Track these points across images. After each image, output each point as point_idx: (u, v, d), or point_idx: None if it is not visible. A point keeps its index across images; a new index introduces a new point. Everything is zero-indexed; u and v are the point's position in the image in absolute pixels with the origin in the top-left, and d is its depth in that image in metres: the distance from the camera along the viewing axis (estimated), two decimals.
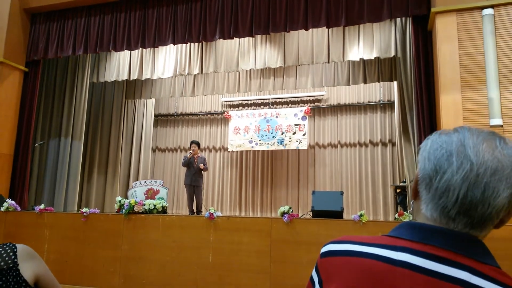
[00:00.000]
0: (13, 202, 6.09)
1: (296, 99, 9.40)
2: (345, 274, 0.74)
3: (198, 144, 7.60)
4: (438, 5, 4.98)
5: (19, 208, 6.12)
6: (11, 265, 1.36)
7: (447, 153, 0.73)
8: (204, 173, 7.94)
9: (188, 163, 7.39)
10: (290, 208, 5.00)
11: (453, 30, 4.87)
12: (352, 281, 0.73)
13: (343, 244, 0.79)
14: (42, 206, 5.89)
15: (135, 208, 5.55)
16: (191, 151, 7.40)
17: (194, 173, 7.36)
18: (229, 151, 9.55)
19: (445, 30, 4.91)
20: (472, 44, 4.79)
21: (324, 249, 0.82)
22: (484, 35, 4.73)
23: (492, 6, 4.76)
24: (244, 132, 9.29)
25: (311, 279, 0.83)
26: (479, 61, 4.72)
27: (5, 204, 5.97)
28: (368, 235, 0.80)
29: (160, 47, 7.48)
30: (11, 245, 1.41)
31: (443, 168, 0.73)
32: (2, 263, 1.36)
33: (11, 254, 1.38)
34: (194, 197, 7.35)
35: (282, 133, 8.99)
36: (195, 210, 7.27)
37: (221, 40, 6.62)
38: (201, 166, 7.31)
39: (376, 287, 0.70)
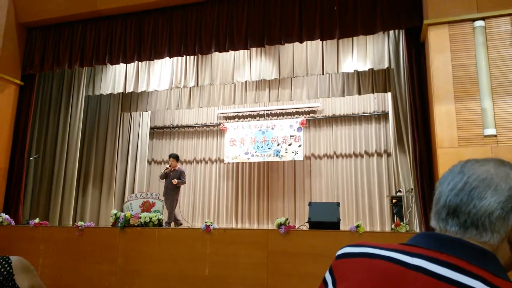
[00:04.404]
0: (7, 216, 6.04)
1: (291, 110, 9.44)
2: (359, 273, 0.77)
3: (176, 158, 7.68)
4: (430, 17, 5.06)
5: (13, 222, 6.07)
6: (6, 276, 1.43)
7: (449, 173, 0.85)
8: (183, 187, 7.98)
9: (164, 177, 7.56)
10: (287, 219, 4.99)
11: (446, 42, 4.94)
12: (364, 280, 0.76)
13: (360, 247, 0.83)
14: (37, 220, 5.84)
15: (131, 221, 5.51)
16: (167, 165, 7.53)
17: (167, 185, 7.45)
18: (225, 163, 9.54)
19: (438, 41, 4.98)
20: (464, 55, 4.86)
21: (340, 252, 0.86)
22: (476, 47, 4.80)
23: (483, 18, 4.84)
24: (240, 143, 9.30)
25: (324, 281, 0.85)
26: (472, 72, 4.78)
27: (0, 219, 5.92)
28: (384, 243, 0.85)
29: (155, 60, 7.52)
30: (4, 257, 1.49)
31: (441, 183, 0.84)
32: None
33: (6, 265, 1.45)
34: (166, 208, 7.36)
35: (278, 145, 9.01)
36: (164, 222, 7.34)
37: (217, 52, 6.67)
38: (174, 182, 7.37)
39: (388, 286, 0.73)
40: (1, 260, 1.47)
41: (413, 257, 0.74)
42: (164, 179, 7.62)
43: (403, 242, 0.81)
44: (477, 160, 0.83)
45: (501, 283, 0.69)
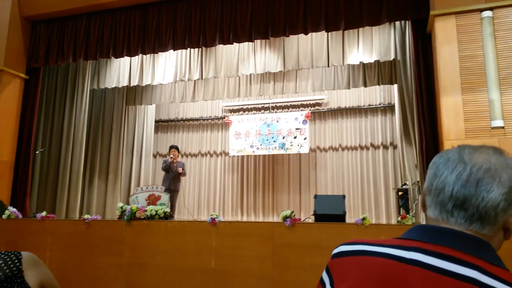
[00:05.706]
0: (15, 209, 6.08)
1: (296, 103, 9.40)
2: (358, 272, 0.77)
3: (177, 149, 7.74)
4: (437, 8, 4.99)
5: (20, 216, 6.11)
6: (15, 272, 1.41)
7: (445, 159, 0.82)
8: (183, 178, 8.00)
9: (168, 168, 7.49)
10: (292, 212, 4.98)
11: (453, 33, 4.87)
12: (364, 278, 0.75)
13: (355, 245, 0.82)
14: (43, 214, 5.88)
15: (137, 214, 5.53)
16: (171, 155, 7.52)
17: (173, 177, 7.48)
18: (230, 156, 9.54)
19: (445, 32, 4.92)
20: (471, 46, 4.79)
21: (336, 250, 0.84)
22: (483, 37, 4.74)
23: (491, 8, 4.76)
24: (245, 136, 9.29)
25: (321, 281, 0.84)
26: (479, 63, 4.72)
27: (7, 212, 5.96)
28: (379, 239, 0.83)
29: (160, 53, 7.49)
30: (16, 253, 1.47)
31: (441, 171, 0.81)
32: (7, 270, 1.41)
33: (16, 261, 1.44)
34: (170, 201, 7.34)
35: (283, 137, 8.99)
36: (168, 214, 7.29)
37: (221, 45, 6.64)
38: (180, 170, 7.42)
39: (388, 283, 0.72)
40: (12, 256, 1.45)
41: (409, 251, 0.74)
42: (166, 172, 7.60)
43: (398, 236, 0.81)
44: (473, 147, 0.81)
45: (497, 271, 0.69)
